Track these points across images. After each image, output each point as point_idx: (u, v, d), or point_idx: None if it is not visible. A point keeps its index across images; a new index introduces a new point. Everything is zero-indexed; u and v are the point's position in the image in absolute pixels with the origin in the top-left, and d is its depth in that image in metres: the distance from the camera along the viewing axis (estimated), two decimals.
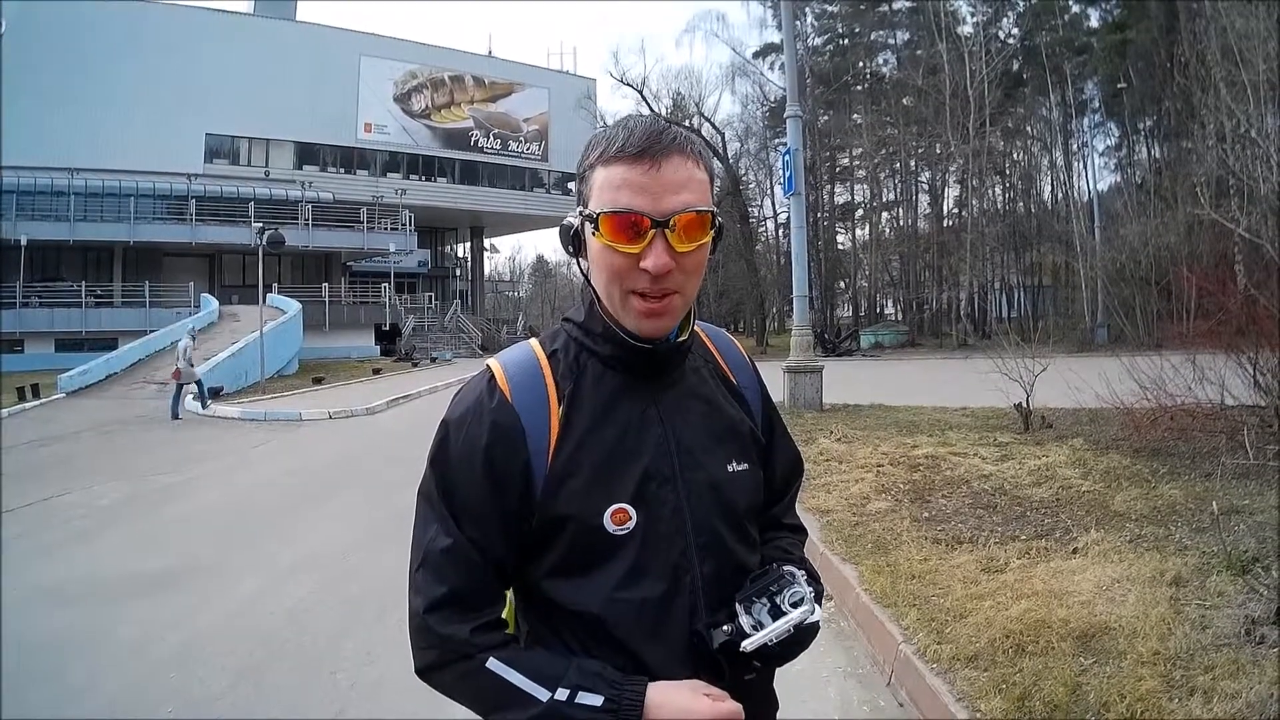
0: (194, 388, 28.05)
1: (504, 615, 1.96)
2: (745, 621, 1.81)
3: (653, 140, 1.78)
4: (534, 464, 1.85)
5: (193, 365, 27.89)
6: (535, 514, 1.85)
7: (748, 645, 1.78)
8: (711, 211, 1.83)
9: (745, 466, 2.05)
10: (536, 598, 1.93)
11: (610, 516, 1.83)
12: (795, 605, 1.82)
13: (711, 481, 1.96)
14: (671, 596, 1.86)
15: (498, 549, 1.87)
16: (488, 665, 1.80)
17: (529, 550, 1.90)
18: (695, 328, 2.13)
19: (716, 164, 69.18)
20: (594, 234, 1.81)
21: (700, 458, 1.96)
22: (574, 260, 1.98)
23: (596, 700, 1.74)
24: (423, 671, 1.88)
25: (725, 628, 1.83)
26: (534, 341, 2.05)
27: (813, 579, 2.03)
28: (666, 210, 1.76)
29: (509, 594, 2.01)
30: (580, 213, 1.87)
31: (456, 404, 1.96)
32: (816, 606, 1.88)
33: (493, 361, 2.01)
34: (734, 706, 1.77)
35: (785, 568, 1.90)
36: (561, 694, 1.75)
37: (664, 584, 1.86)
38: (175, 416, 26.01)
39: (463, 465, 1.88)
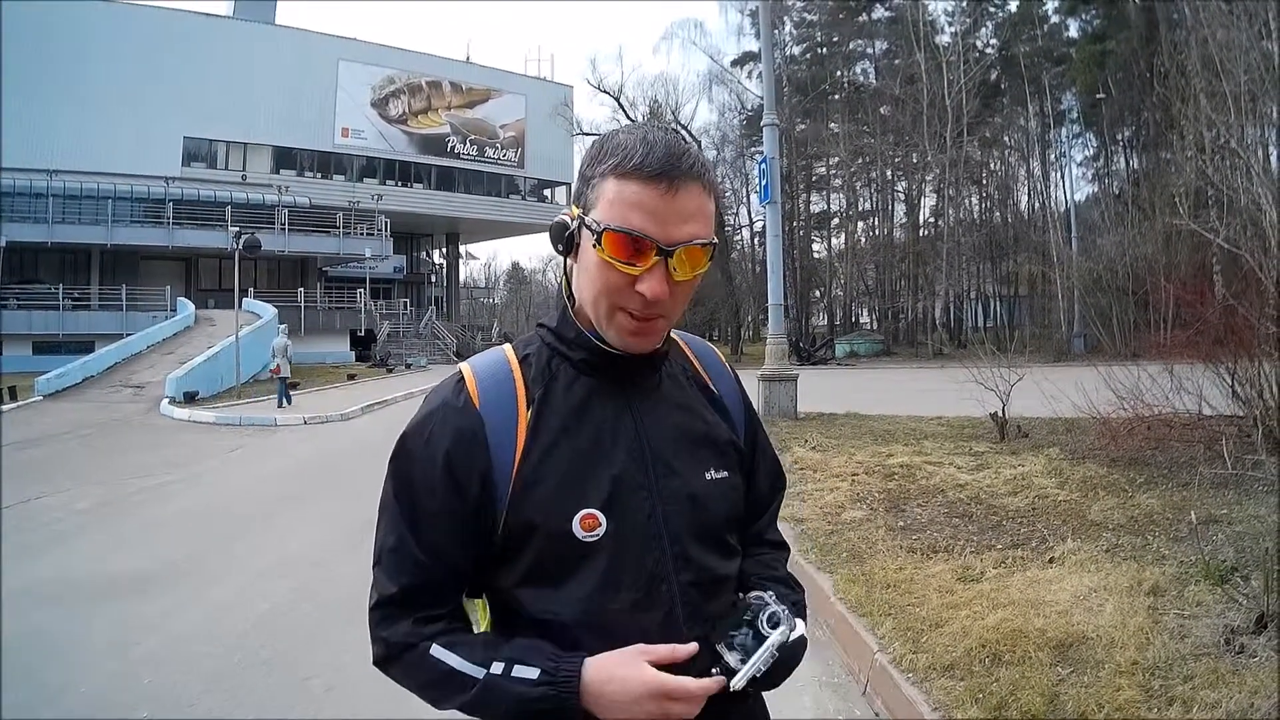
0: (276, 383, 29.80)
1: (476, 620, 1.98)
2: (732, 659, 1.76)
3: (672, 163, 1.72)
4: (497, 469, 1.82)
5: (291, 361, 29.91)
6: (502, 520, 1.82)
7: (736, 683, 1.73)
8: (713, 243, 1.79)
9: (724, 474, 1.99)
10: (507, 608, 1.90)
11: (579, 522, 1.79)
12: (774, 626, 1.77)
13: (688, 490, 1.91)
14: (645, 607, 1.82)
15: (452, 552, 1.85)
16: (430, 652, 1.79)
17: (499, 558, 1.87)
18: (674, 336, 2.13)
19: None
20: (595, 246, 1.75)
21: (676, 465, 1.91)
22: (562, 259, 1.93)
23: (532, 673, 1.72)
24: (378, 664, 1.89)
25: (714, 670, 1.77)
26: (507, 346, 2.02)
27: (792, 588, 2.05)
28: (673, 239, 1.72)
29: (484, 605, 2.00)
30: (579, 216, 1.81)
31: (423, 406, 1.93)
32: (798, 621, 1.85)
33: (464, 365, 1.98)
34: (681, 696, 1.71)
35: (751, 594, 1.86)
36: (497, 667, 1.74)
37: (638, 594, 1.82)
38: (286, 403, 28.66)
39: (421, 467, 1.85)
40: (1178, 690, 5.05)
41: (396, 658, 1.83)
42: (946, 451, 14.18)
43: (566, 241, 1.86)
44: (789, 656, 1.80)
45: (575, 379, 1.90)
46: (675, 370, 2.07)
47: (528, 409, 1.86)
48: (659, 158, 1.71)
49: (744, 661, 1.75)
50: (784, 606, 1.82)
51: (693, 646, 1.76)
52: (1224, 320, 12.18)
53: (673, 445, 1.93)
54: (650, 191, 1.70)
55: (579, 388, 1.90)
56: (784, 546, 2.28)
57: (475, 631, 1.96)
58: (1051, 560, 7.93)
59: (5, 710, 5.85)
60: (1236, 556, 7.24)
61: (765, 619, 1.78)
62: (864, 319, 75.17)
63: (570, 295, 1.94)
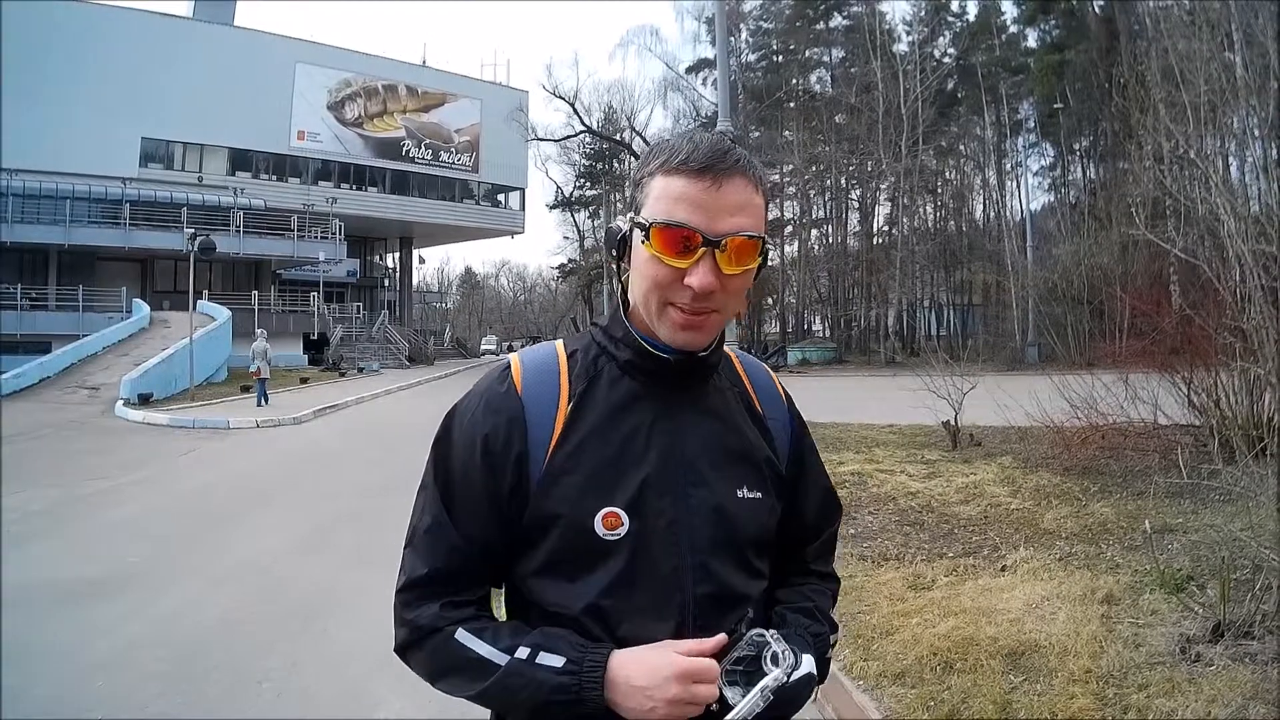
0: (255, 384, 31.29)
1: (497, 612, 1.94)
2: (731, 694, 1.71)
3: (717, 158, 1.74)
4: (532, 456, 1.83)
5: (270, 363, 31.33)
6: (528, 508, 1.82)
7: None
8: (762, 238, 1.79)
9: (757, 495, 1.96)
10: (521, 597, 1.91)
11: (602, 519, 1.79)
12: (777, 665, 1.72)
13: (715, 503, 1.89)
14: (658, 614, 1.80)
15: (487, 536, 1.85)
16: (455, 636, 1.77)
17: (519, 546, 1.87)
18: (730, 353, 2.13)
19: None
20: (643, 242, 1.78)
21: (707, 476, 1.90)
22: (615, 264, 1.94)
23: (558, 660, 1.70)
24: (399, 651, 1.87)
25: (713, 707, 1.72)
26: (559, 341, 2.04)
27: (816, 620, 2.03)
28: (720, 231, 1.72)
29: (499, 594, 1.99)
30: (630, 219, 1.84)
31: (469, 390, 1.97)
32: (806, 658, 1.83)
33: (513, 355, 2.01)
34: (705, 678, 1.68)
35: (751, 631, 1.78)
36: (522, 653, 1.72)
37: (652, 599, 1.81)
38: (259, 404, 29.87)
39: (460, 450, 1.87)
40: (1132, 699, 5.06)
41: (420, 642, 1.82)
42: (898, 459, 14.29)
43: (619, 246, 1.88)
44: (791, 696, 1.78)
45: (619, 379, 1.91)
46: (723, 384, 2.05)
47: (568, 402, 1.88)
48: (704, 153, 1.74)
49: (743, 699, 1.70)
50: (788, 645, 1.76)
51: (720, 638, 1.73)
52: (1180, 330, 12.26)
53: (707, 456, 1.92)
54: (696, 185, 1.73)
55: (621, 387, 1.90)
56: (832, 579, 2.27)
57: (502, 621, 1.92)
58: (1004, 568, 7.98)
59: None
60: (1192, 565, 7.27)
61: (768, 657, 1.73)
62: (817, 326, 75.21)
63: (625, 300, 1.94)
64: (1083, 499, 10.58)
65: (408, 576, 1.85)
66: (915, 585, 7.65)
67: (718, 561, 1.86)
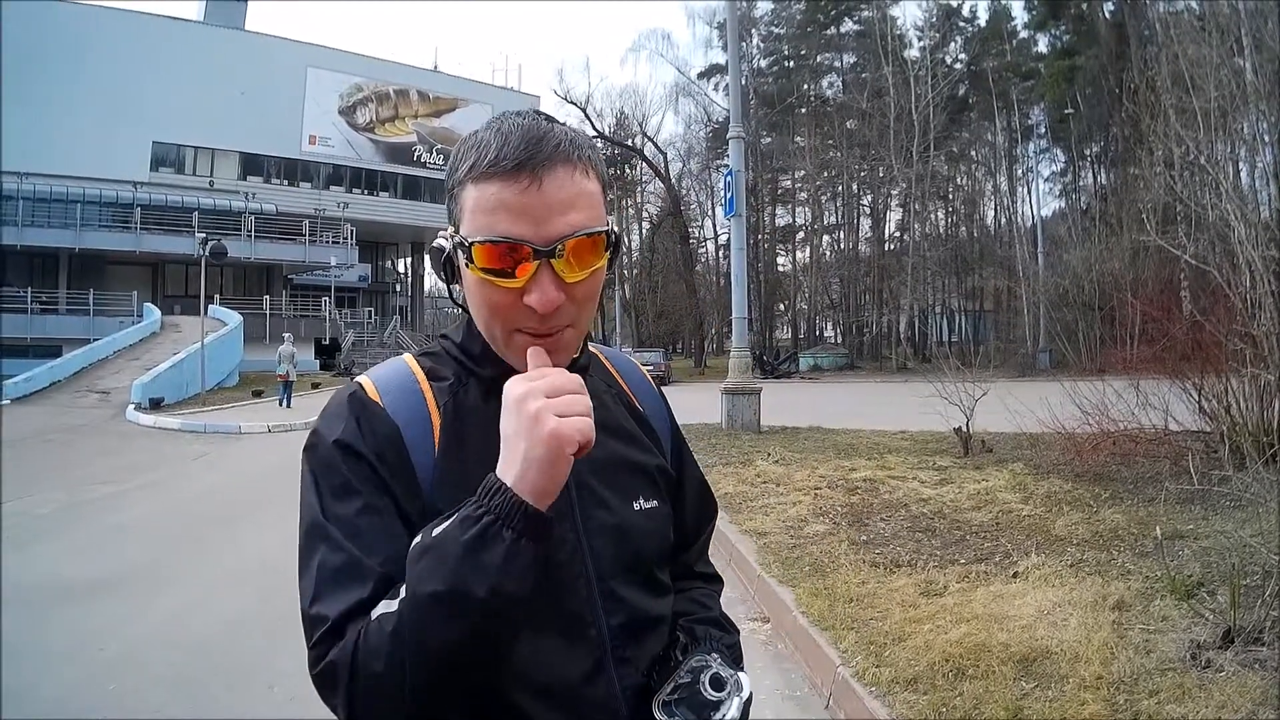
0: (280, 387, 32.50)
1: None
2: None
3: (532, 150, 1.51)
4: (420, 476, 1.58)
5: (295, 367, 32.45)
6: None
7: None
8: (605, 231, 1.58)
9: (654, 504, 1.80)
10: None
11: None
12: (717, 688, 1.64)
13: (616, 521, 1.71)
14: (571, 649, 1.62)
15: (401, 556, 1.45)
16: (370, 623, 1.42)
17: None
18: (594, 350, 1.95)
19: (658, 184, 70.90)
20: (467, 264, 1.57)
21: (602, 493, 1.71)
22: (447, 288, 1.72)
23: (453, 515, 1.42)
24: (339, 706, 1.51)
25: None
26: (406, 355, 1.80)
27: (726, 629, 1.92)
28: (552, 236, 1.51)
29: None
30: (451, 235, 1.64)
31: (322, 416, 1.68)
32: (742, 676, 1.69)
33: (361, 377, 1.74)
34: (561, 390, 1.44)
35: (692, 660, 1.69)
36: (414, 552, 1.42)
37: (562, 635, 1.61)
38: (287, 406, 31.17)
39: (346, 467, 1.57)
40: (1143, 705, 5.03)
41: (338, 670, 1.47)
42: (910, 466, 14.22)
43: (448, 267, 1.67)
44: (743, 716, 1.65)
45: (487, 396, 1.65)
46: (599, 386, 1.85)
47: (440, 426, 1.64)
48: (515, 147, 1.52)
49: None
50: (732, 671, 1.68)
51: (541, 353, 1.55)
52: (1191, 336, 12.22)
53: (599, 471, 1.71)
54: (513, 188, 1.51)
55: (493, 406, 1.53)
56: (717, 580, 2.12)
57: None
58: (1015, 575, 7.89)
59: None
60: (1203, 572, 7.22)
61: (708, 681, 1.65)
62: (828, 333, 75.49)
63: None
64: (1094, 505, 10.50)
65: (320, 630, 1.49)
66: (927, 591, 7.60)
67: (626, 587, 1.70)
